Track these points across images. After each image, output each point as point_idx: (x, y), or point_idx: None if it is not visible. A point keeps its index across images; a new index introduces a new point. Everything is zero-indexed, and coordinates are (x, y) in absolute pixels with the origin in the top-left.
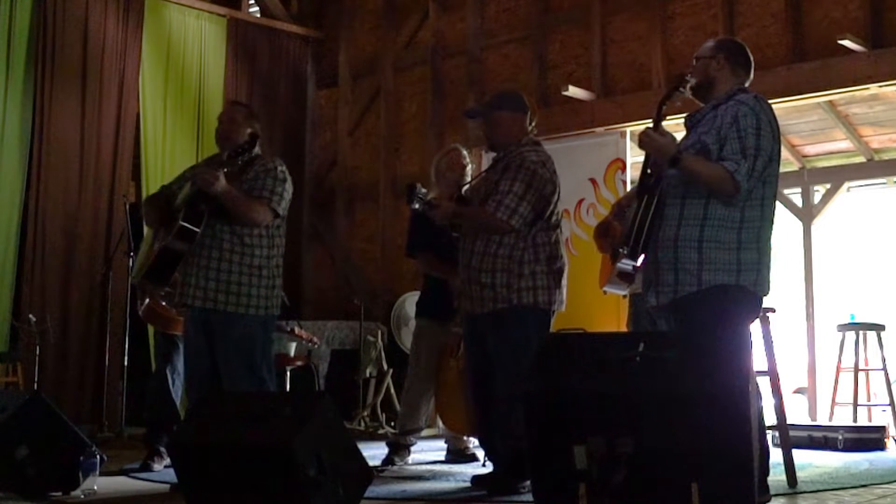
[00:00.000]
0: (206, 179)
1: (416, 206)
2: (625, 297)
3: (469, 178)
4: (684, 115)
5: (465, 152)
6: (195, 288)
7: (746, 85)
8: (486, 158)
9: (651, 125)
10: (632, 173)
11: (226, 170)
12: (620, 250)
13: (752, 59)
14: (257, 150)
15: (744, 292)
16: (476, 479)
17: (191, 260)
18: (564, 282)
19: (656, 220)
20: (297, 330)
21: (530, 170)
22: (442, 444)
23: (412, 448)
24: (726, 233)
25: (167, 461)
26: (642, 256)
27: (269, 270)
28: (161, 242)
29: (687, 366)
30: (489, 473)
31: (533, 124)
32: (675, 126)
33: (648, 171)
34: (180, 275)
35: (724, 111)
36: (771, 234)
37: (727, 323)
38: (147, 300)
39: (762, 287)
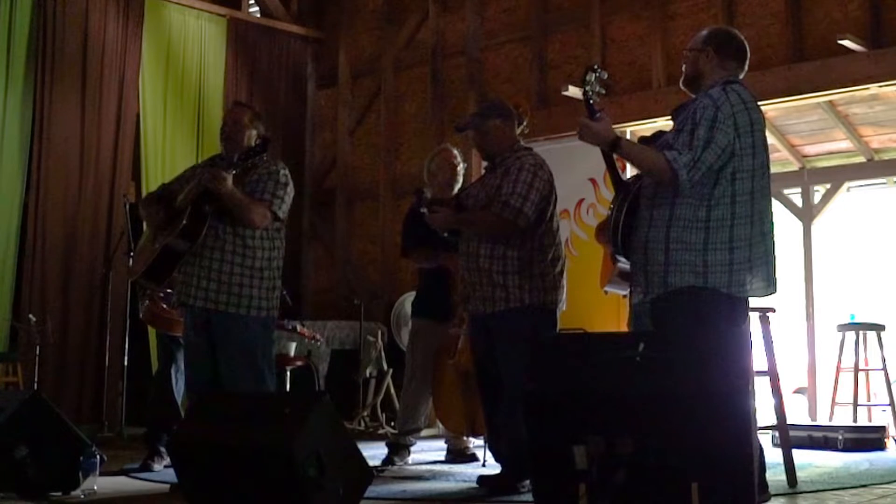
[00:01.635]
0: (216, 178)
1: (425, 210)
2: (625, 296)
3: (461, 179)
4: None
5: (455, 152)
6: (196, 288)
7: (741, 76)
8: None
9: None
10: (631, 173)
11: (234, 171)
12: (611, 250)
13: (746, 48)
14: None
15: (715, 294)
16: (482, 480)
17: (192, 260)
18: (565, 282)
19: (629, 219)
20: (299, 328)
21: (531, 172)
22: (442, 444)
23: (412, 448)
24: (693, 233)
25: (167, 461)
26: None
27: (270, 272)
28: (163, 241)
29: (687, 366)
30: (496, 474)
31: (524, 123)
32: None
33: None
34: (181, 274)
35: (694, 104)
36: (752, 233)
37: (699, 325)
38: (147, 302)
39: (739, 288)
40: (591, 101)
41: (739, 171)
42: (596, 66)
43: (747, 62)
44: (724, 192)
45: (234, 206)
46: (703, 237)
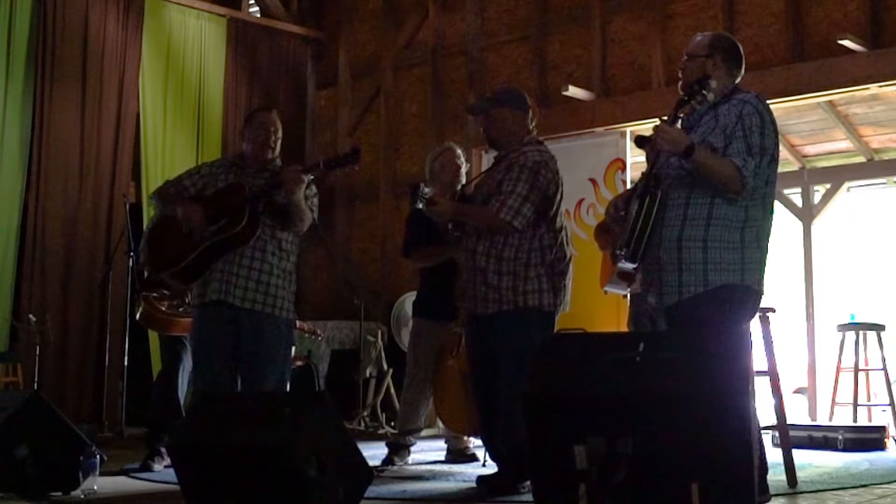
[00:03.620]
0: (297, 181)
1: (420, 205)
2: (625, 297)
3: (463, 180)
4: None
5: (459, 152)
6: (237, 287)
7: (738, 81)
8: (486, 159)
9: (665, 119)
10: (632, 173)
11: (311, 176)
12: (619, 252)
13: (743, 55)
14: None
15: (749, 291)
16: (481, 480)
17: (232, 259)
18: (569, 281)
19: (657, 221)
20: (298, 323)
21: (533, 170)
22: (442, 444)
23: (412, 448)
24: (730, 232)
25: (167, 461)
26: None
27: (294, 276)
28: (210, 240)
29: (687, 366)
30: (494, 474)
31: (533, 124)
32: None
33: (653, 170)
34: (220, 273)
35: (727, 111)
36: (769, 233)
37: (733, 322)
38: (143, 304)
39: (763, 286)
40: (682, 109)
41: (772, 175)
42: (711, 79)
43: (744, 67)
44: (759, 195)
45: (299, 212)
46: (739, 236)
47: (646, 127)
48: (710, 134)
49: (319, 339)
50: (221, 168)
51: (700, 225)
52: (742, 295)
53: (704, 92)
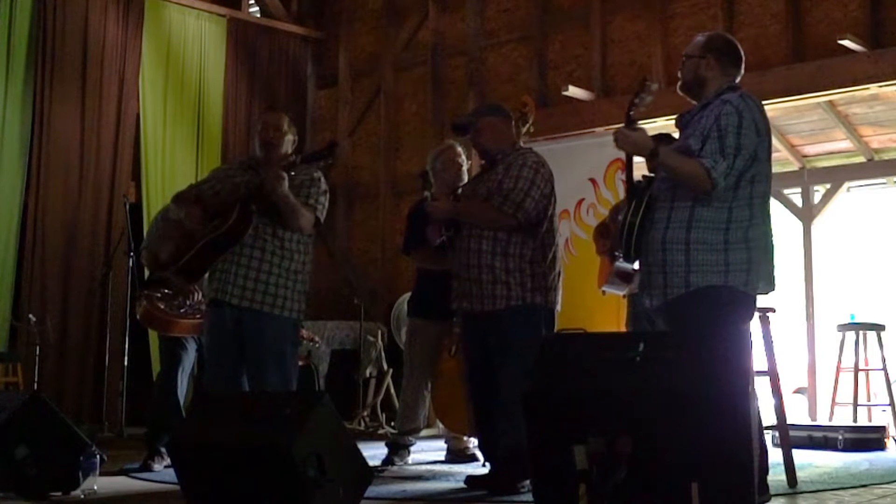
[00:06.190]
0: (278, 178)
1: (428, 193)
2: (624, 297)
3: (465, 177)
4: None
5: (460, 150)
6: (234, 286)
7: (737, 81)
8: None
9: (623, 125)
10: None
11: (292, 173)
12: (616, 253)
13: (742, 54)
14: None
15: (734, 293)
16: (470, 480)
17: (231, 258)
18: (561, 283)
19: (646, 222)
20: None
21: (533, 169)
22: (442, 444)
23: (412, 448)
24: (713, 234)
25: (167, 461)
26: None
27: (303, 276)
28: (206, 237)
29: (687, 366)
30: (485, 475)
31: (531, 122)
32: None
33: (631, 173)
34: (218, 272)
35: (709, 112)
36: (762, 233)
37: (719, 324)
38: (144, 303)
39: (754, 287)
40: (632, 112)
41: (758, 175)
42: (648, 81)
43: (743, 66)
44: (744, 195)
45: (288, 209)
46: (722, 237)
47: (647, 127)
48: (693, 136)
49: (318, 345)
50: (237, 170)
51: (682, 227)
52: (727, 296)
53: (643, 94)
